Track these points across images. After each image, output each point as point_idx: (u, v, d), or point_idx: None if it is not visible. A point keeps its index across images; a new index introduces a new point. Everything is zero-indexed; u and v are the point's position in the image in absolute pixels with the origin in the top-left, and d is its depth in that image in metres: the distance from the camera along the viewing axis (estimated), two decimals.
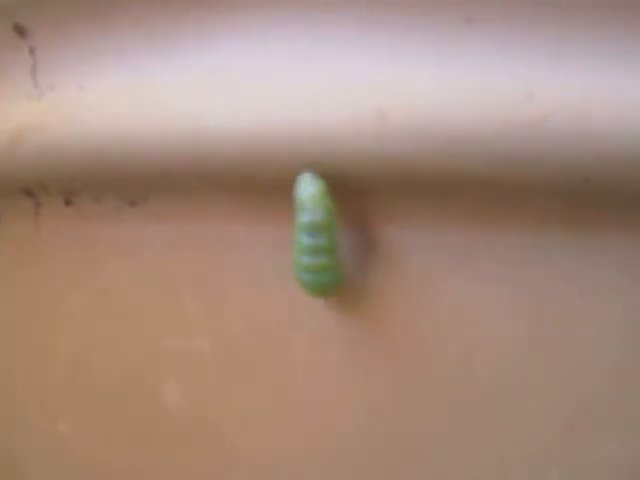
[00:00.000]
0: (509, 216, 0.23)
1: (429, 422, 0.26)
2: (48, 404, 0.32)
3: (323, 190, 0.24)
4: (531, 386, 0.24)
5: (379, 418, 0.27)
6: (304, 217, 0.24)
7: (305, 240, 0.24)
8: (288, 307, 0.27)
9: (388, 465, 0.27)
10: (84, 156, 0.27)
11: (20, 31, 0.28)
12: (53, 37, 0.28)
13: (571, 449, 0.24)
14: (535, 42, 0.21)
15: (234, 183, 0.26)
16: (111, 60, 0.27)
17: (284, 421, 0.28)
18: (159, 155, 0.26)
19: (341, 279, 0.25)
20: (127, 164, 0.27)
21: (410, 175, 0.23)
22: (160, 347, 0.29)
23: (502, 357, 0.25)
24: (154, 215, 0.28)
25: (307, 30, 0.24)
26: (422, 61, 0.22)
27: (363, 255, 0.26)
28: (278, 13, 0.24)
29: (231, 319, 0.28)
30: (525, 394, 0.25)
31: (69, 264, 0.30)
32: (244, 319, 0.28)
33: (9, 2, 0.28)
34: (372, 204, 0.25)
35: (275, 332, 0.27)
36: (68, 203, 0.30)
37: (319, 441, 0.28)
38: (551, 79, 0.21)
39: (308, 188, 0.24)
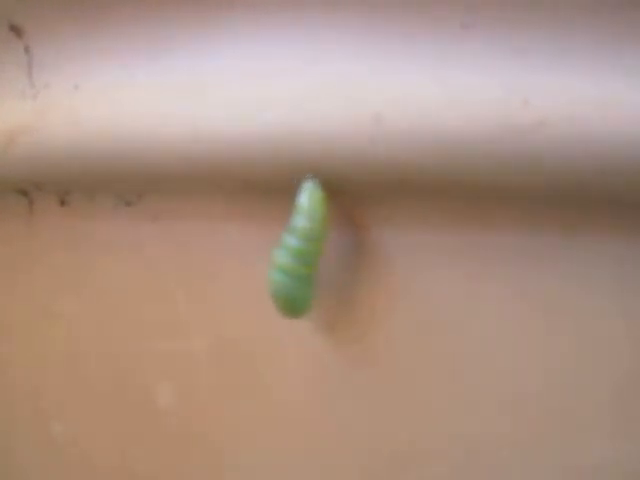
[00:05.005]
0: (505, 219, 0.23)
1: (425, 421, 0.26)
2: (43, 405, 0.32)
3: (322, 199, 0.24)
4: (526, 386, 0.25)
5: (372, 418, 0.27)
6: (299, 222, 0.24)
7: (293, 242, 0.24)
8: None
9: (376, 468, 0.27)
10: (79, 155, 0.27)
11: (16, 30, 0.28)
12: (48, 36, 0.28)
13: (568, 449, 0.25)
14: (531, 48, 0.22)
15: (229, 183, 0.26)
16: (106, 60, 0.27)
17: (278, 424, 0.28)
18: (154, 155, 0.26)
19: (309, 298, 0.25)
20: (122, 163, 0.27)
21: (406, 178, 0.23)
22: (154, 348, 0.29)
23: (495, 357, 0.25)
24: (149, 214, 0.28)
25: (304, 33, 0.24)
26: (418, 65, 0.23)
27: (357, 256, 0.26)
28: (275, 15, 0.24)
29: (225, 320, 0.28)
30: (521, 394, 0.25)
31: (63, 263, 0.30)
32: (238, 320, 0.28)
33: (4, 1, 0.28)
34: (368, 206, 0.25)
35: (268, 334, 0.27)
36: (62, 202, 0.30)
37: (312, 442, 0.28)
38: (547, 85, 0.21)
39: (308, 195, 0.24)
